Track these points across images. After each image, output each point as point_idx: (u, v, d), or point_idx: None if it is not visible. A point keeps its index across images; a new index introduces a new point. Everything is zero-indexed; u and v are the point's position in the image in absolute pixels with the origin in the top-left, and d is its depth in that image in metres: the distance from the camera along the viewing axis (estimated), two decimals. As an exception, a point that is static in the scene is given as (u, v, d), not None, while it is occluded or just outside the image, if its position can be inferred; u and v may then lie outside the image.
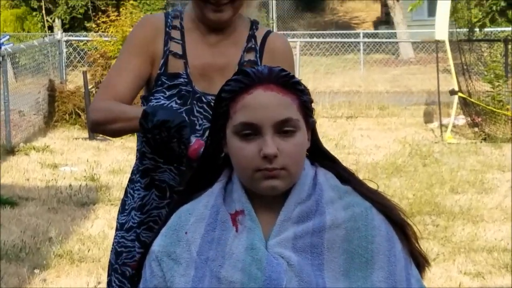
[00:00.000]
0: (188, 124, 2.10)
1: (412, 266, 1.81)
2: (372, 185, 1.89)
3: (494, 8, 11.60)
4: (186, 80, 2.34)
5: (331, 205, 1.78)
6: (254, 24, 2.44)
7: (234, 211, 1.79)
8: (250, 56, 2.39)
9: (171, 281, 1.76)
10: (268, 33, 2.44)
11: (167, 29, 2.38)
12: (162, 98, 2.33)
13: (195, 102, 2.33)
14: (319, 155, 1.88)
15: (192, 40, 2.38)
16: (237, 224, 1.77)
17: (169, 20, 2.40)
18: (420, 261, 1.84)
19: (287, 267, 1.71)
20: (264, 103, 1.74)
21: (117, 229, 2.51)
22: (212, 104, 1.87)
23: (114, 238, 2.51)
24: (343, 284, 1.71)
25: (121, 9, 12.99)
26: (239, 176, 1.80)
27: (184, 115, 2.27)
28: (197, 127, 2.32)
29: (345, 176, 1.86)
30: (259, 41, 2.41)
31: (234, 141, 1.76)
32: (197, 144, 2.12)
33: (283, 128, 1.74)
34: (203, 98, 2.33)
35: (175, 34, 2.39)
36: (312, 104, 1.83)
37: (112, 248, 2.52)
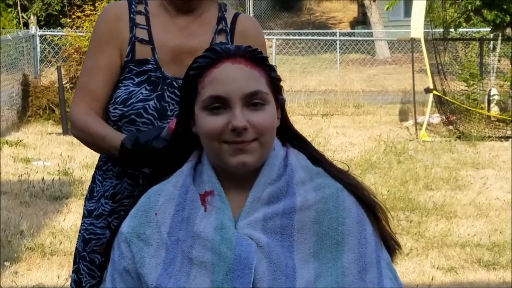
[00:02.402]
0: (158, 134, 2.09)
1: (383, 249, 1.79)
2: (343, 167, 1.87)
3: (469, 7, 11.64)
4: (154, 66, 2.29)
5: (301, 186, 1.75)
6: (222, 6, 2.41)
7: (204, 191, 1.76)
8: (221, 38, 2.35)
9: (141, 262, 1.72)
10: (237, 14, 2.41)
11: (132, 16, 2.32)
12: (131, 85, 2.28)
13: (165, 87, 2.28)
14: (289, 136, 1.86)
15: (159, 25, 2.33)
16: (206, 204, 1.74)
17: (133, 6, 2.34)
18: (390, 244, 1.83)
19: (256, 248, 1.68)
20: (232, 76, 1.72)
21: (84, 216, 2.43)
22: None
23: (82, 226, 2.42)
24: (313, 265, 1.69)
25: (96, 4, 12.90)
26: (208, 153, 1.77)
27: (154, 101, 2.25)
28: (169, 112, 2.27)
29: (317, 157, 1.83)
30: (229, 23, 2.38)
31: (202, 116, 1.74)
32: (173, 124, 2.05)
33: (252, 101, 1.71)
34: (174, 83, 2.28)
35: (140, 19, 2.33)
36: (281, 83, 1.81)
37: (79, 235, 2.43)
